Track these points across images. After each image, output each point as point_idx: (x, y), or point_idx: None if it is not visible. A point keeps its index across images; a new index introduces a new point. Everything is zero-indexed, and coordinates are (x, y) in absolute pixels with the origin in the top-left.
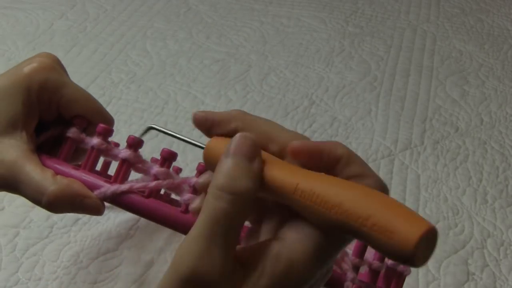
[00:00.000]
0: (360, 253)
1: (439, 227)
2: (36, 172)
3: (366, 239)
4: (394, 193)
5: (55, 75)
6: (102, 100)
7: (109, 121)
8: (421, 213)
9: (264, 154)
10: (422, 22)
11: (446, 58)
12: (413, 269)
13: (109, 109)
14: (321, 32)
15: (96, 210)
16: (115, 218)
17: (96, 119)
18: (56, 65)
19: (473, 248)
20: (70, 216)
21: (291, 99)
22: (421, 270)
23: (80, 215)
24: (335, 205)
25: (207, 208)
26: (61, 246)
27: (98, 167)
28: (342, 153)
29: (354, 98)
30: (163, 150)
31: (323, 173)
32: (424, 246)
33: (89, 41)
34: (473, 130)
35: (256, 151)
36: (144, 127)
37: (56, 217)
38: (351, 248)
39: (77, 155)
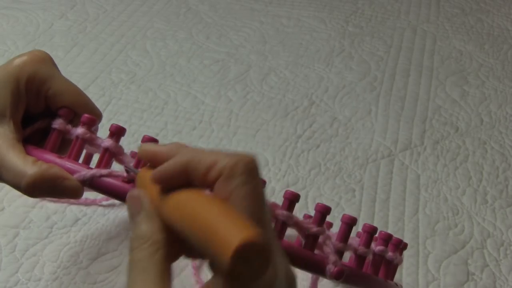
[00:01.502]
0: (344, 237)
1: (439, 227)
2: (18, 158)
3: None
4: (394, 193)
5: (44, 67)
6: (102, 100)
7: (96, 114)
8: (421, 213)
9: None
10: (422, 22)
11: (446, 58)
12: (413, 270)
13: (109, 109)
14: (321, 32)
15: (75, 192)
16: (115, 219)
17: (83, 112)
18: (47, 59)
19: (473, 248)
20: (70, 216)
21: (291, 99)
22: (421, 270)
23: (79, 215)
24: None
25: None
26: (61, 247)
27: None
28: (209, 162)
29: (354, 98)
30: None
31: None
32: (244, 262)
33: (89, 41)
34: (473, 130)
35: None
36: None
37: (56, 217)
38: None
39: (64, 146)
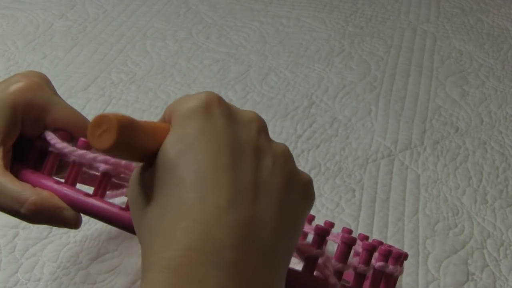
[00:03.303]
0: (344, 258)
1: (439, 227)
2: (14, 184)
3: None
4: (394, 193)
5: (42, 94)
6: (102, 101)
7: None
8: (421, 213)
9: None
10: (422, 22)
11: (446, 58)
12: (413, 270)
13: (109, 109)
14: (321, 32)
15: (73, 223)
16: None
17: (83, 135)
18: (44, 84)
19: (473, 248)
20: None
21: (291, 99)
22: (421, 270)
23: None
24: None
25: None
26: (61, 247)
27: None
28: None
29: (354, 98)
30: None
31: None
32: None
33: (89, 41)
34: (473, 130)
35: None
36: None
37: None
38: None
39: (62, 167)
